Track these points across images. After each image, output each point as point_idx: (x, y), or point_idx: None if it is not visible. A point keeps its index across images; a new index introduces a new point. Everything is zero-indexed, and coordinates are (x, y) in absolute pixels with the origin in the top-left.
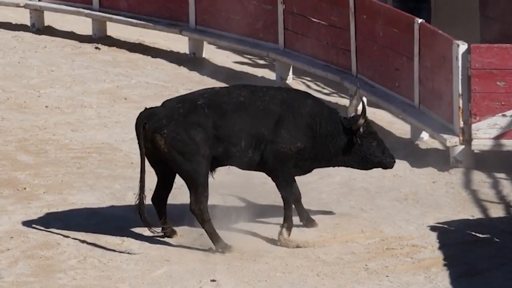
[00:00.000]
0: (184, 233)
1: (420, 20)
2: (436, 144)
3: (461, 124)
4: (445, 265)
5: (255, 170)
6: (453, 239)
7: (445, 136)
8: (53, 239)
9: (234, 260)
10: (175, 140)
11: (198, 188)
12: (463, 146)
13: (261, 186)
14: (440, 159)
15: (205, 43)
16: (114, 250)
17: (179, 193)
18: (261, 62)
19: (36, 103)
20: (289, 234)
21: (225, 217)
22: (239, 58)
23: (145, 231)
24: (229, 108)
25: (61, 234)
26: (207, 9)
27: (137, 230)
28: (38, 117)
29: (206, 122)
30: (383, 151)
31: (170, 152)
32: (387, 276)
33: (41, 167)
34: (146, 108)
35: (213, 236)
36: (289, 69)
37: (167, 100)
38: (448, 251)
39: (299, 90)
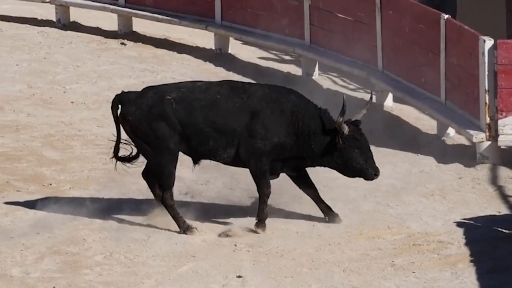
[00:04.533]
0: (210, 229)
1: (446, 16)
2: (462, 140)
3: (488, 120)
4: (471, 261)
5: (236, 166)
6: (480, 235)
7: (471, 132)
8: (79, 235)
9: (260, 256)
10: (137, 129)
11: (162, 177)
12: (489, 142)
13: (287, 182)
14: (466, 155)
15: (231, 38)
16: (140, 246)
17: (205, 190)
18: (287, 58)
19: (62, 98)
20: (262, 228)
21: (251, 214)
22: (265, 54)
23: (171, 228)
24: (200, 106)
25: (87, 230)
26: (233, 5)
27: (163, 226)
28: (64, 113)
29: (171, 117)
30: (366, 160)
31: (134, 138)
32: (413, 272)
33: (67, 163)
34: (123, 92)
35: (176, 220)
36: (315, 65)
37: (148, 86)
38: (474, 247)
39: (285, 87)
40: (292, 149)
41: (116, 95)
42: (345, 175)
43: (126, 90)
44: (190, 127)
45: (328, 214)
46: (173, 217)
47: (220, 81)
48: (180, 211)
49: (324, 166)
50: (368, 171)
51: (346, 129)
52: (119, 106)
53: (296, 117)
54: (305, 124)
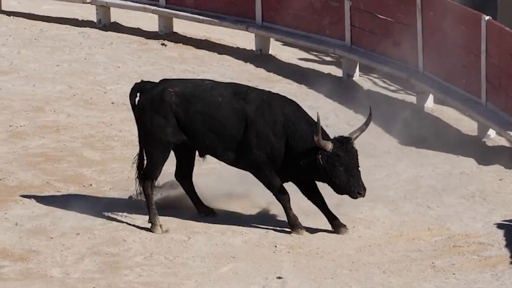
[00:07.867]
0: (250, 230)
1: (487, 17)
2: (503, 142)
3: None
4: None
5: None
6: None
7: None
8: (119, 236)
9: (301, 257)
10: (139, 118)
11: (150, 166)
12: None
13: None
14: (507, 157)
15: (271, 39)
16: (180, 247)
17: (246, 191)
18: (328, 59)
19: (103, 99)
20: (298, 230)
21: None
22: (306, 55)
23: (211, 228)
24: (200, 105)
25: (127, 231)
26: (274, 6)
27: (203, 227)
28: (105, 113)
29: (168, 110)
30: (350, 179)
31: (138, 126)
32: (453, 273)
33: (107, 164)
34: (142, 81)
35: (149, 210)
36: (356, 66)
37: (164, 79)
38: None
39: (285, 98)
40: (286, 160)
41: (135, 84)
42: (334, 191)
43: (145, 80)
44: (187, 124)
45: (334, 224)
46: (148, 207)
47: (227, 82)
48: (220, 212)
49: (317, 180)
50: (351, 190)
51: (329, 146)
52: (137, 94)
53: (287, 130)
54: (294, 138)
